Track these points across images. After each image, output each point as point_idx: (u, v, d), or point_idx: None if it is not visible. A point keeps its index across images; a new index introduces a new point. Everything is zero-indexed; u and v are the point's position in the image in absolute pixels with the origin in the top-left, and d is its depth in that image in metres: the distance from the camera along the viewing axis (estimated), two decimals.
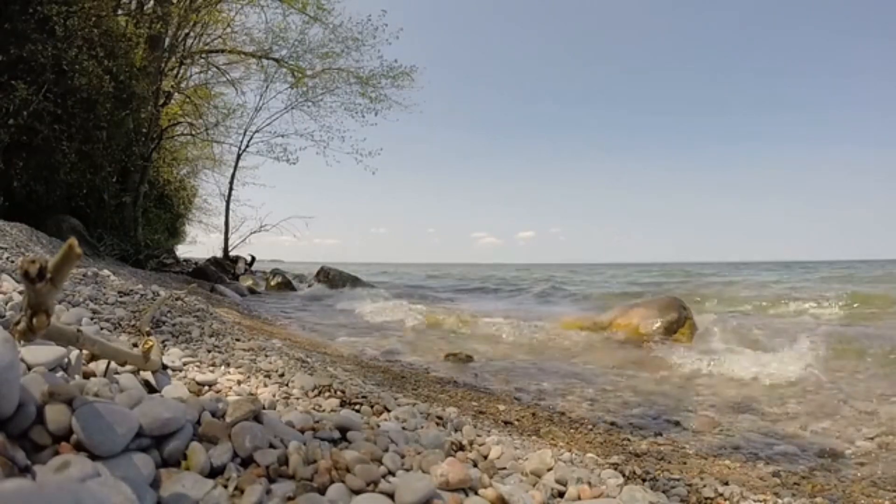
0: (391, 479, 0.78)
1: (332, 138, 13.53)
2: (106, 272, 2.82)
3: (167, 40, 10.26)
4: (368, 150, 13.56)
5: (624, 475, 1.22)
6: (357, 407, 1.28)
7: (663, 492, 1.25)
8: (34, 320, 0.54)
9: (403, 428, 1.15)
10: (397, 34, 12.33)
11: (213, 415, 0.82)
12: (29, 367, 0.82)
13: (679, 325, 4.61)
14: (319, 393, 1.34)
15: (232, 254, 13.50)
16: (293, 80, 13.07)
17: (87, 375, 0.97)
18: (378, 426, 1.08)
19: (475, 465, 1.07)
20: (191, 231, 17.57)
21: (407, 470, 0.85)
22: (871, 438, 2.13)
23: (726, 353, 4.27)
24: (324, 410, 1.17)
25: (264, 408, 0.93)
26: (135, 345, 1.35)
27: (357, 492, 0.71)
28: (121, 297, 2.16)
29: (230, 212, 13.84)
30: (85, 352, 0.96)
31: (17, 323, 0.55)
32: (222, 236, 13.65)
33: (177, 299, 2.66)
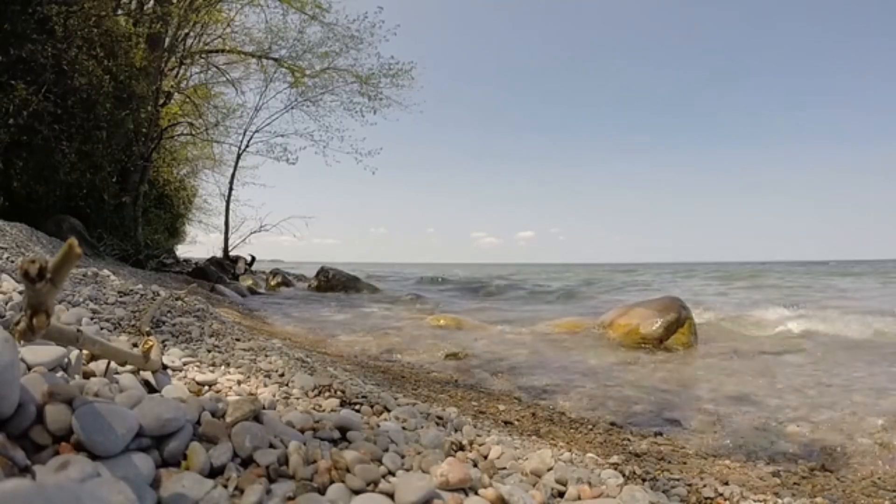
0: (391, 478, 0.78)
1: (331, 138, 13.53)
2: (106, 272, 2.81)
3: (167, 40, 10.26)
4: (368, 149, 13.56)
5: (624, 475, 1.22)
6: (357, 407, 1.28)
7: (663, 492, 1.25)
8: (34, 320, 0.54)
9: (403, 428, 1.15)
10: (394, 30, 12.35)
11: (213, 415, 0.82)
12: (29, 367, 0.82)
13: (679, 325, 4.61)
14: (319, 393, 1.34)
15: (232, 254, 13.48)
16: (292, 80, 13.07)
17: (87, 375, 0.97)
18: (378, 426, 1.08)
19: (475, 465, 1.07)
20: (191, 231, 17.58)
21: (407, 470, 0.84)
22: (872, 436, 2.13)
23: (723, 352, 4.27)
24: (324, 410, 1.17)
25: (264, 408, 0.93)
26: (135, 345, 1.35)
27: (357, 492, 0.71)
28: (121, 297, 2.16)
29: (230, 212, 13.82)
30: (85, 352, 0.96)
31: (17, 323, 0.55)
32: (222, 236, 13.62)
33: (177, 299, 2.66)
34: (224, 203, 13.88)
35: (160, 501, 0.59)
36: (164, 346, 1.55)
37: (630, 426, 2.27)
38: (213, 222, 16.61)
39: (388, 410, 1.32)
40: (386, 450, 0.90)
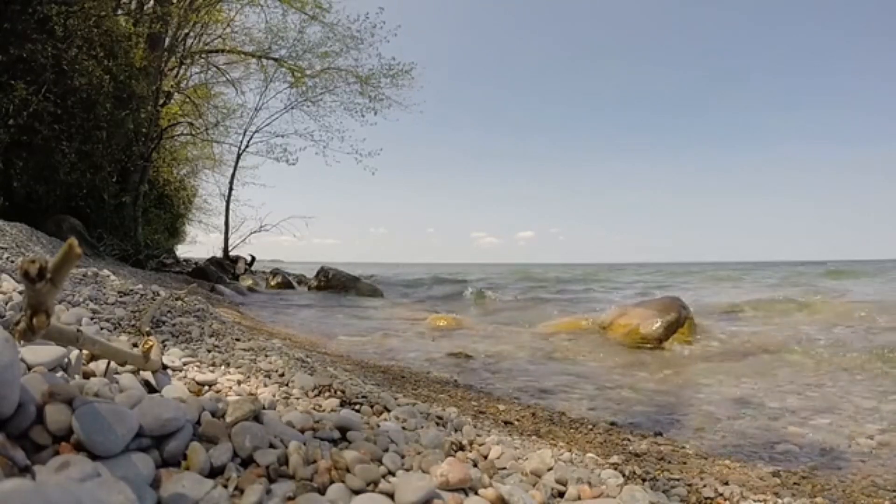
0: (391, 478, 0.78)
1: (331, 138, 13.55)
2: (106, 272, 2.82)
3: (167, 40, 10.26)
4: (368, 149, 13.58)
5: (624, 475, 1.22)
6: (357, 407, 1.28)
7: (663, 492, 1.25)
8: (34, 320, 0.54)
9: (403, 428, 1.15)
10: (395, 31, 12.36)
11: (213, 415, 0.82)
12: (29, 367, 0.82)
13: (679, 325, 4.61)
14: (319, 393, 1.34)
15: (232, 254, 13.49)
16: (293, 80, 13.07)
17: (87, 375, 0.97)
18: (378, 426, 1.08)
19: (475, 465, 1.06)
20: (191, 231, 17.58)
21: (407, 470, 0.84)
22: (872, 437, 2.13)
23: (723, 352, 4.28)
24: (324, 410, 1.17)
25: (264, 408, 0.93)
26: (135, 345, 1.35)
27: (357, 492, 0.71)
28: (121, 297, 2.16)
29: (230, 212, 13.84)
30: (85, 352, 0.96)
31: (17, 323, 0.55)
32: (222, 236, 13.63)
33: (177, 299, 2.66)
34: (224, 203, 13.91)
35: (160, 501, 0.59)
36: (164, 346, 1.55)
37: (630, 426, 2.27)
38: (213, 222, 16.62)
39: (388, 410, 1.32)
40: (386, 450, 0.90)
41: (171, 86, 10.90)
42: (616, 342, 4.69)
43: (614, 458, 1.47)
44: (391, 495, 0.72)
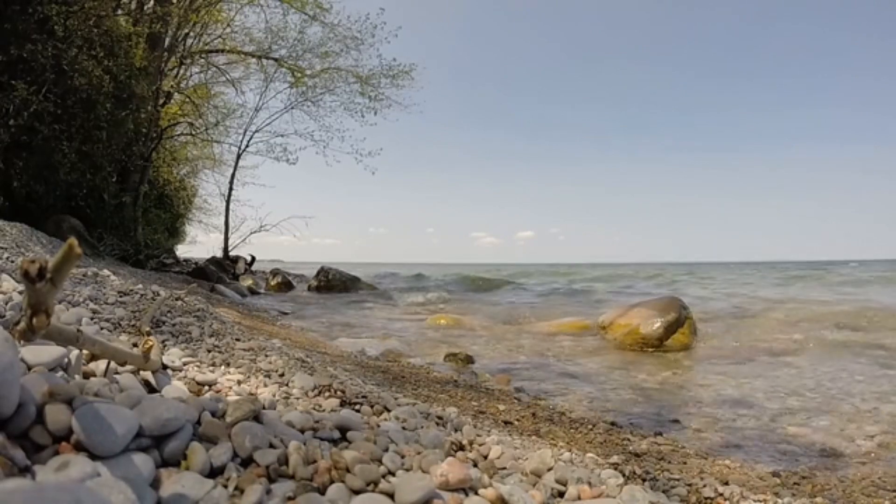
0: (391, 478, 0.78)
1: (331, 138, 13.53)
2: (106, 272, 2.82)
3: (167, 40, 10.26)
4: (368, 149, 13.56)
5: (624, 475, 1.22)
6: (357, 407, 1.28)
7: (663, 492, 1.25)
8: (34, 320, 0.54)
9: (403, 428, 1.15)
10: (396, 32, 12.35)
11: (213, 415, 0.82)
12: (29, 367, 0.82)
13: (679, 325, 4.61)
14: (319, 393, 1.34)
15: (232, 254, 13.49)
16: (293, 80, 13.07)
17: (87, 375, 0.97)
18: (378, 426, 1.08)
19: (475, 465, 1.06)
20: (191, 231, 17.56)
21: (407, 470, 0.84)
22: (872, 437, 2.13)
23: (723, 352, 4.27)
24: (324, 410, 1.17)
25: (264, 408, 0.93)
26: (135, 345, 1.35)
27: (357, 492, 0.71)
28: (121, 297, 2.16)
29: (230, 212, 13.83)
30: (85, 352, 0.96)
31: (17, 323, 0.55)
32: (222, 236, 13.62)
33: (177, 299, 2.66)
34: (224, 203, 13.90)
35: (160, 501, 0.59)
36: (164, 346, 1.55)
37: (630, 426, 2.27)
38: (213, 222, 16.61)
39: (388, 410, 1.32)
40: (386, 450, 0.90)
41: (171, 86, 10.90)
42: (616, 342, 4.69)
43: (614, 458, 1.47)
44: (391, 495, 0.72)
